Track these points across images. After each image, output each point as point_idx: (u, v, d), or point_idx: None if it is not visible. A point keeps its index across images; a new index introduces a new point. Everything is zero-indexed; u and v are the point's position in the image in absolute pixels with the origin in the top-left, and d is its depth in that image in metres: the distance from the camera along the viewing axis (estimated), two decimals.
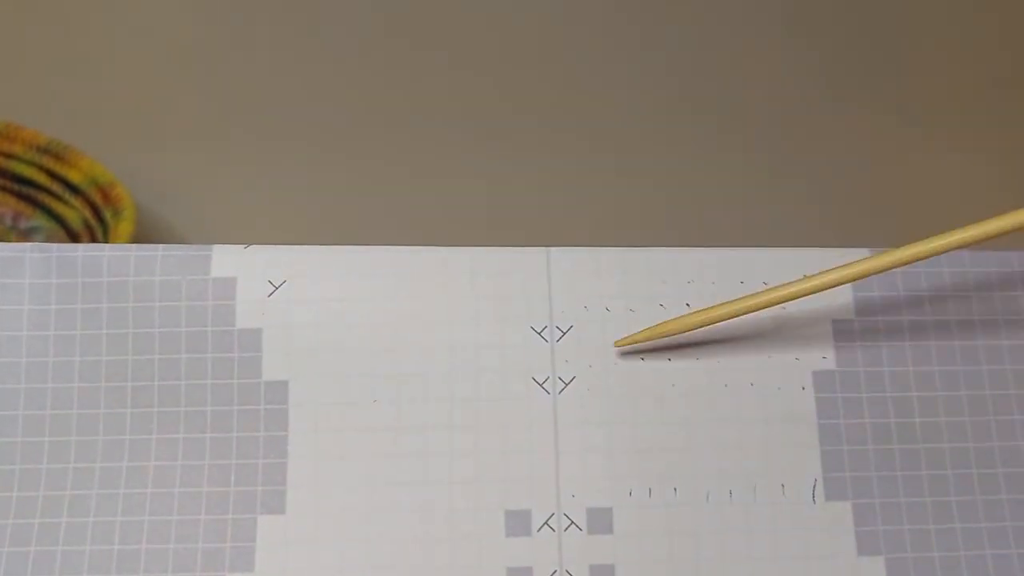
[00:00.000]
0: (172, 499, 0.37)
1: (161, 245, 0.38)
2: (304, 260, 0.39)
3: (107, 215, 0.75)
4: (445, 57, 0.83)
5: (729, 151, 0.82)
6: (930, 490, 0.38)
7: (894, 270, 0.39)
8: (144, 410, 0.37)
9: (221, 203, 0.81)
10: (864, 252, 0.39)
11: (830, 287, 0.37)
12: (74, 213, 0.77)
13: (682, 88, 0.83)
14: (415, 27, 0.83)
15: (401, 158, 0.81)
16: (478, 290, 0.39)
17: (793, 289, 0.37)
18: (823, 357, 0.39)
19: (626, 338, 0.38)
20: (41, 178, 0.78)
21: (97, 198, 0.76)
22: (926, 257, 0.36)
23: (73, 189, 0.77)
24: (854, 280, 0.37)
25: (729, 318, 0.38)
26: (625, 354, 0.38)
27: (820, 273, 0.37)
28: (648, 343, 0.38)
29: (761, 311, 0.38)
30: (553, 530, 0.37)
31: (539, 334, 0.39)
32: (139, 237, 0.74)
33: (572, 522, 0.37)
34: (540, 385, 0.38)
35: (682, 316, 0.38)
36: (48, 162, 0.77)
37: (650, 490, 0.38)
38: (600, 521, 0.37)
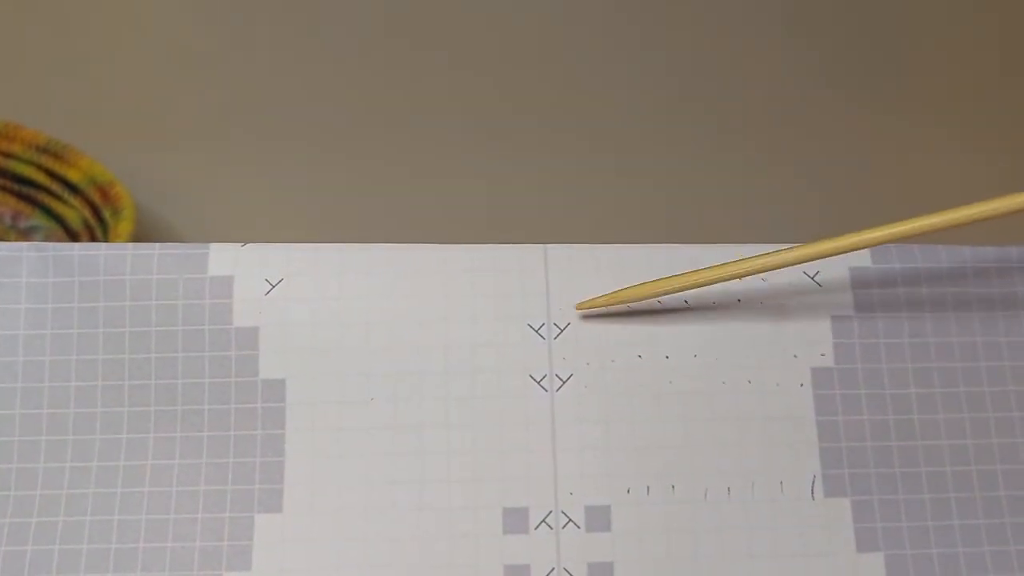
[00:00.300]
0: (169, 498, 0.37)
1: (158, 244, 0.38)
2: (301, 258, 0.39)
3: (106, 214, 0.75)
4: (444, 57, 0.83)
5: (727, 150, 0.82)
6: (929, 487, 0.38)
7: (893, 267, 0.39)
8: (141, 409, 0.37)
9: (221, 203, 0.81)
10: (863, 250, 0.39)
11: (786, 265, 0.37)
12: (73, 212, 0.77)
13: (681, 87, 0.83)
14: (415, 27, 0.83)
15: (399, 157, 0.81)
16: (475, 288, 0.39)
17: (747, 265, 0.37)
18: (821, 354, 0.39)
19: (587, 301, 0.38)
20: (40, 177, 0.78)
21: (96, 197, 0.76)
22: (904, 238, 0.36)
23: (72, 188, 0.77)
24: (811, 260, 0.37)
25: (693, 287, 0.38)
26: (620, 346, 0.38)
27: (788, 248, 0.37)
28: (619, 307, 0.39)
29: (761, 309, 0.39)
30: (551, 528, 0.37)
31: (536, 332, 0.39)
32: (139, 237, 0.74)
33: (570, 520, 0.37)
34: (538, 383, 0.38)
35: (644, 283, 0.38)
36: (47, 161, 0.77)
37: (648, 488, 0.38)
38: (598, 519, 0.37)
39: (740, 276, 0.38)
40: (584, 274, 0.39)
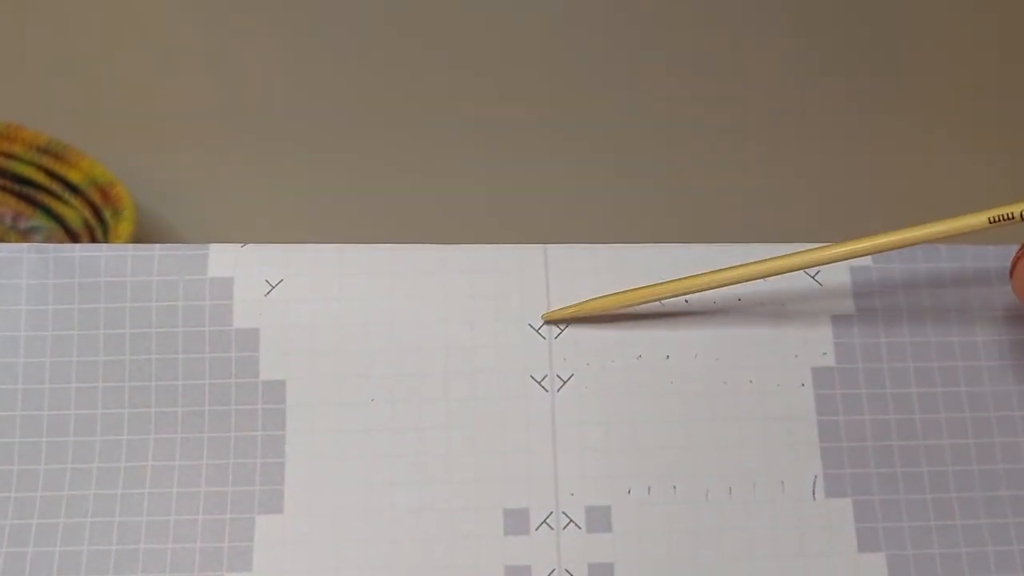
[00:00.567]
0: (170, 499, 0.37)
1: (158, 245, 0.38)
2: (301, 259, 0.39)
3: (107, 215, 0.75)
4: (444, 57, 0.83)
5: (728, 149, 0.82)
6: (930, 486, 0.38)
7: (894, 267, 0.39)
8: (142, 410, 0.37)
9: (221, 203, 0.81)
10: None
11: (745, 279, 0.37)
12: (74, 213, 0.77)
13: (681, 87, 0.83)
14: (415, 27, 0.83)
15: (399, 158, 0.81)
16: (476, 288, 0.39)
17: (721, 275, 0.37)
18: (822, 354, 0.39)
19: (553, 312, 0.38)
20: (41, 178, 0.78)
21: (97, 198, 0.76)
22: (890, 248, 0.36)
23: (73, 189, 0.77)
24: (774, 274, 0.37)
25: (655, 299, 0.38)
26: (622, 351, 0.38)
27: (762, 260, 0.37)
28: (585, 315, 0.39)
29: (761, 309, 0.39)
30: (552, 529, 0.37)
31: (537, 332, 0.39)
32: (139, 237, 0.74)
33: (571, 520, 0.37)
34: (538, 383, 0.38)
35: (609, 295, 0.38)
36: (48, 162, 0.77)
37: (649, 488, 0.37)
38: (599, 519, 0.37)
39: (721, 285, 0.37)
40: (584, 274, 0.39)
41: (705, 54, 0.84)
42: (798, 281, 0.39)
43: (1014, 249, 0.36)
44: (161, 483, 0.37)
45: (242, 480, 0.37)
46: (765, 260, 0.37)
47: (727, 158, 0.82)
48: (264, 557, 0.36)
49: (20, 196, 0.79)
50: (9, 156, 0.77)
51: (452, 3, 0.82)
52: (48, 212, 0.79)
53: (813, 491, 0.38)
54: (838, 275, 0.39)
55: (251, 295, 0.38)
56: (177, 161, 0.81)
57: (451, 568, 0.37)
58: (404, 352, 0.38)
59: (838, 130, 0.83)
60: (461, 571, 0.37)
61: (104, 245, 0.38)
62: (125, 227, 0.74)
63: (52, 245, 0.38)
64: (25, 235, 0.78)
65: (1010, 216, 0.34)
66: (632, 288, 0.38)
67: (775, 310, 0.39)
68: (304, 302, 0.38)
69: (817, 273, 0.39)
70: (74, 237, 0.78)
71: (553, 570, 0.37)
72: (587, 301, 0.38)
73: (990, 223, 0.34)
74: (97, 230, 0.76)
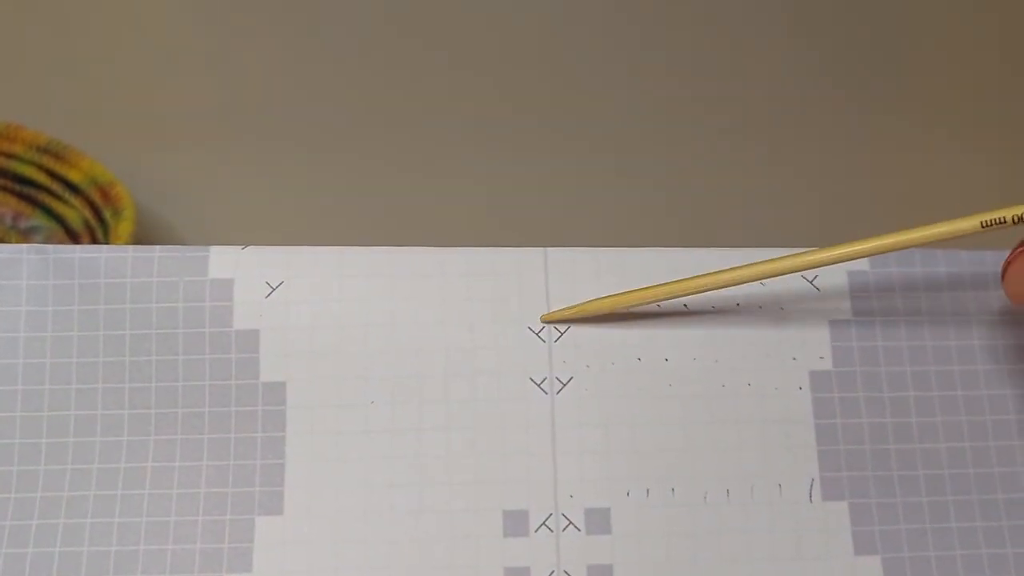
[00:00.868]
0: (170, 500, 0.37)
1: (158, 246, 0.38)
2: (301, 261, 0.39)
3: (107, 215, 0.75)
4: (444, 58, 0.83)
5: (728, 152, 0.82)
6: (927, 490, 0.38)
7: (891, 271, 0.39)
8: (142, 411, 0.37)
9: (221, 203, 0.81)
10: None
11: (743, 281, 0.37)
12: (74, 213, 0.77)
13: (681, 88, 0.83)
14: (415, 28, 0.82)
15: (400, 159, 0.81)
16: (475, 291, 0.39)
17: (717, 278, 0.37)
18: (820, 357, 0.39)
19: (553, 313, 0.38)
20: (41, 178, 0.78)
21: (97, 198, 0.76)
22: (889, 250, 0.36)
23: (73, 189, 0.77)
24: (799, 271, 0.37)
25: (656, 300, 0.38)
26: (622, 352, 0.39)
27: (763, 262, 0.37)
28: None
29: (760, 313, 0.39)
30: (551, 530, 0.37)
31: (536, 335, 0.39)
32: (139, 237, 0.74)
33: (570, 522, 0.37)
34: (538, 386, 0.38)
35: (608, 296, 0.38)
36: (48, 162, 0.77)
37: (648, 490, 0.38)
38: (598, 521, 0.37)
39: (719, 287, 0.38)
40: (584, 277, 0.39)
41: (705, 54, 0.84)
42: (796, 285, 0.39)
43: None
44: (161, 484, 0.37)
45: (242, 481, 0.37)
46: (761, 263, 0.37)
47: (727, 159, 0.82)
48: (264, 558, 0.36)
49: (20, 196, 0.79)
50: (9, 156, 0.77)
51: (452, 3, 0.82)
52: (48, 212, 0.79)
53: (810, 494, 0.38)
54: (835, 279, 0.39)
55: (251, 297, 0.38)
56: (177, 161, 0.81)
57: (450, 569, 0.37)
58: (404, 354, 0.38)
59: (838, 130, 0.83)
60: (460, 572, 0.37)
61: (104, 247, 0.38)
62: (125, 227, 0.74)
63: (52, 246, 0.38)
64: (25, 235, 0.78)
65: (1002, 220, 0.34)
66: (631, 290, 0.38)
67: (773, 314, 0.39)
68: (304, 304, 0.38)
69: (815, 278, 0.39)
70: (74, 237, 0.78)
71: (552, 572, 0.37)
72: (586, 303, 0.38)
73: (982, 227, 0.35)
74: (97, 230, 0.76)
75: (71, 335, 0.38)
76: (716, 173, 0.81)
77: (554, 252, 0.39)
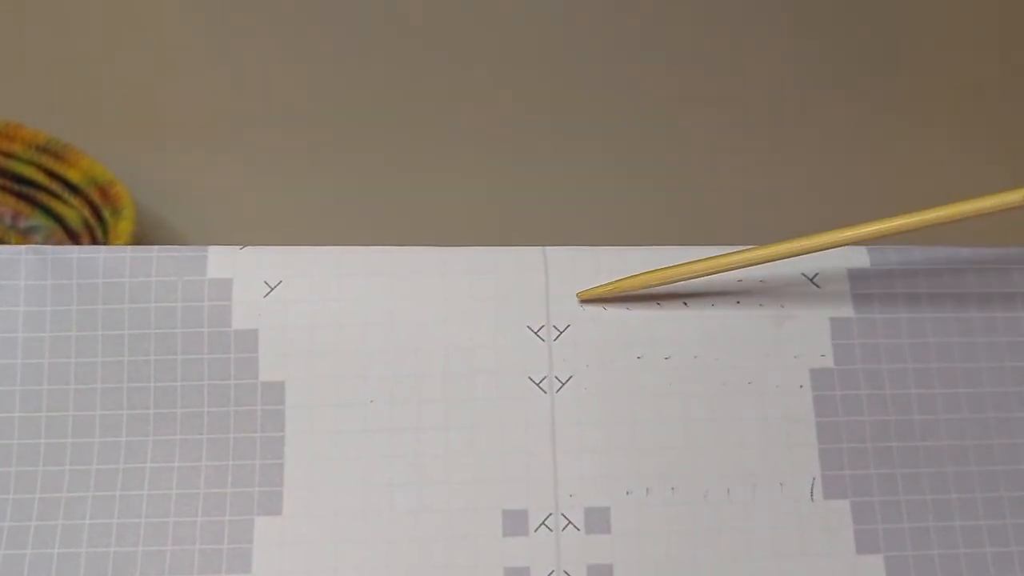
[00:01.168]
0: (169, 501, 0.37)
1: (156, 246, 0.38)
2: (300, 261, 0.39)
3: (107, 214, 0.75)
4: (443, 58, 0.83)
5: (728, 151, 0.82)
6: (929, 488, 0.38)
7: (892, 268, 0.39)
8: (140, 412, 0.37)
9: (221, 203, 0.81)
10: (861, 251, 0.39)
11: (787, 256, 0.37)
12: (73, 212, 0.77)
13: (681, 87, 0.83)
14: (415, 28, 0.82)
15: (400, 159, 0.81)
16: (474, 290, 0.39)
17: (751, 255, 0.37)
18: (821, 355, 0.39)
19: (589, 290, 0.38)
20: (40, 177, 0.78)
21: (96, 197, 0.76)
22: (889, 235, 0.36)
23: (72, 188, 0.77)
24: (811, 252, 0.37)
25: (692, 276, 0.38)
26: (620, 351, 0.38)
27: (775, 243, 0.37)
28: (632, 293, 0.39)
29: (760, 311, 0.39)
30: (551, 530, 0.37)
31: (536, 334, 0.38)
32: (139, 236, 0.74)
33: (570, 522, 0.37)
34: (537, 385, 0.38)
35: (645, 272, 0.38)
36: (47, 161, 0.77)
37: (648, 489, 0.37)
38: (598, 521, 0.37)
39: (743, 266, 0.38)
40: (584, 276, 0.39)
41: (705, 54, 0.84)
42: (796, 283, 0.39)
43: (1012, 250, 0.36)
44: (160, 485, 0.37)
45: (241, 481, 0.37)
46: (795, 240, 0.37)
47: (727, 158, 0.82)
48: (263, 558, 0.36)
49: (20, 195, 0.79)
50: (8, 155, 0.77)
51: (452, 4, 0.82)
52: (48, 211, 0.79)
53: (812, 492, 0.38)
54: (836, 277, 0.39)
55: (250, 296, 0.38)
56: (177, 161, 0.81)
57: (450, 569, 0.37)
58: (403, 353, 0.38)
59: (838, 130, 0.83)
60: (460, 572, 0.37)
61: (102, 247, 0.38)
62: (125, 226, 0.74)
63: (50, 247, 0.38)
64: (25, 234, 0.79)
65: None
66: (665, 267, 0.38)
67: (774, 312, 0.39)
68: (303, 303, 0.38)
69: (815, 275, 0.39)
70: (74, 236, 0.78)
71: (552, 571, 0.37)
72: (620, 280, 0.38)
73: None
74: (97, 229, 0.76)
75: (69, 335, 0.38)
76: (715, 172, 0.81)
77: (553, 251, 0.39)
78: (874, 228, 0.36)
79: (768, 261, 0.37)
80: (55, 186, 0.77)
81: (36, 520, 0.36)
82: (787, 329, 0.39)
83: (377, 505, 0.37)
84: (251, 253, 0.39)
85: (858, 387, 0.39)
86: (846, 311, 0.39)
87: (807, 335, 0.39)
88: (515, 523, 0.37)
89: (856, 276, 0.39)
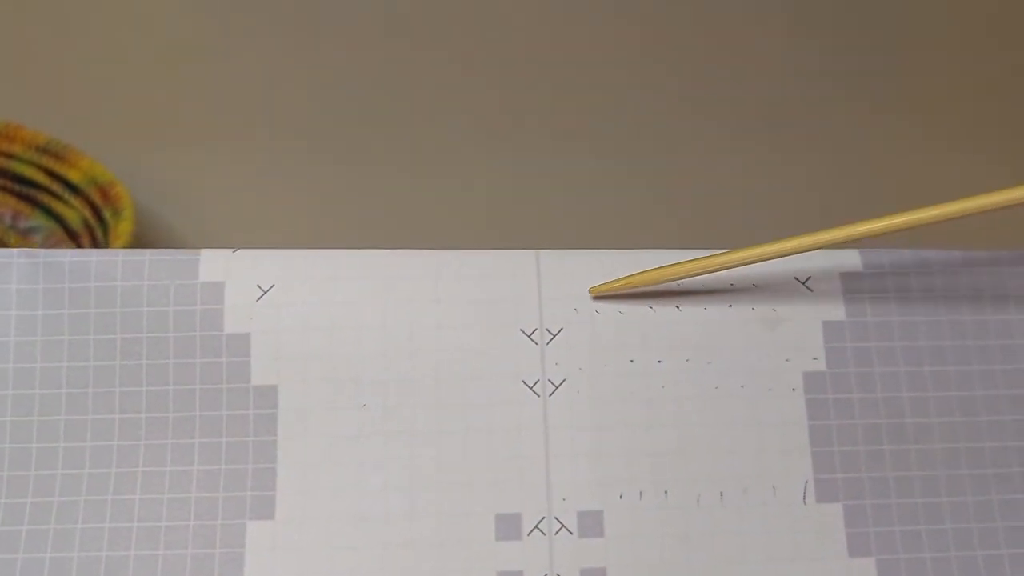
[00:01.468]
0: (161, 505, 0.37)
1: (148, 250, 0.38)
2: (292, 264, 0.38)
3: (107, 215, 0.75)
4: (440, 60, 0.83)
5: (725, 153, 0.82)
6: (921, 491, 0.38)
7: (884, 271, 0.39)
8: (132, 415, 0.37)
9: (221, 203, 0.81)
10: (854, 253, 0.39)
11: (792, 252, 0.37)
12: (74, 213, 0.77)
13: (679, 89, 0.83)
14: (414, 28, 0.82)
15: (400, 160, 0.81)
16: (467, 293, 0.39)
17: (760, 250, 0.37)
18: (813, 358, 0.39)
19: (602, 285, 0.38)
20: (41, 178, 0.78)
21: (96, 197, 0.76)
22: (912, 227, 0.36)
23: (73, 189, 0.77)
24: (827, 247, 0.37)
25: (701, 273, 0.38)
26: (616, 353, 0.38)
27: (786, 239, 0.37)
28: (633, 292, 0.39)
29: (753, 314, 0.39)
30: (544, 534, 0.37)
31: (529, 337, 0.38)
32: (139, 236, 0.74)
33: (563, 526, 0.37)
34: (530, 388, 0.38)
35: (658, 268, 0.38)
36: (48, 162, 0.77)
37: (641, 493, 0.37)
38: (591, 524, 0.37)
39: (756, 261, 0.38)
40: (577, 279, 0.39)
41: (705, 54, 0.84)
42: (789, 287, 0.39)
43: (1004, 253, 0.36)
44: (152, 489, 0.37)
45: (233, 486, 0.37)
46: (804, 235, 0.37)
47: (726, 159, 0.82)
48: (255, 563, 0.36)
49: (20, 196, 0.79)
50: (9, 156, 0.78)
51: (452, 4, 0.82)
52: (48, 212, 0.79)
53: (804, 496, 0.38)
54: (828, 280, 0.39)
55: (242, 300, 0.38)
56: (177, 161, 0.81)
57: (443, 573, 0.37)
58: (396, 357, 0.38)
59: (838, 130, 0.83)
60: None
61: (94, 250, 0.38)
62: (125, 227, 0.74)
63: (42, 250, 0.38)
64: (25, 235, 0.79)
65: None
66: (678, 262, 0.38)
67: (766, 315, 0.39)
68: (295, 307, 0.38)
69: (807, 279, 0.39)
70: (74, 237, 0.78)
71: (545, 575, 0.37)
72: (633, 275, 0.38)
73: None
74: (97, 230, 0.76)
75: (61, 339, 0.38)
76: (711, 175, 0.81)
77: (546, 254, 0.39)
78: (876, 226, 0.36)
79: (785, 255, 0.37)
80: (55, 186, 0.78)
81: (28, 524, 0.36)
82: (779, 332, 0.39)
83: (370, 509, 0.37)
84: (243, 256, 0.38)
85: (850, 390, 0.39)
86: (838, 314, 0.39)
87: (799, 338, 0.39)
88: (508, 527, 0.37)
89: (848, 279, 0.39)
